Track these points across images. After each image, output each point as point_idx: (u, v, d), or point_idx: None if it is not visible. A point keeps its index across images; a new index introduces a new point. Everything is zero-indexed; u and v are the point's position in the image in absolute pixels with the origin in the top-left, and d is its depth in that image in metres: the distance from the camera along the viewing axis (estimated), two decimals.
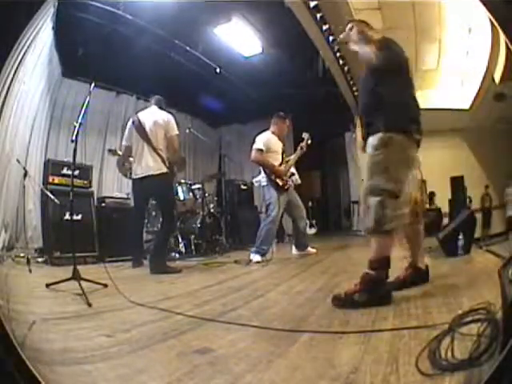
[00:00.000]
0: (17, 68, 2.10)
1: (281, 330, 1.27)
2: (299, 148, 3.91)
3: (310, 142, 3.91)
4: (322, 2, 3.84)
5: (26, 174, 3.18)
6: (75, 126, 2.25)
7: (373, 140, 1.72)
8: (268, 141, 3.74)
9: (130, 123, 3.29)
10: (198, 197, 4.82)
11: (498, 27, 0.81)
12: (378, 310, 1.42)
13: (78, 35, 4.14)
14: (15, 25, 0.87)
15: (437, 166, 4.95)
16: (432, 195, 5.14)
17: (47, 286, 2.12)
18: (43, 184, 3.74)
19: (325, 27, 4.14)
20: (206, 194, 4.95)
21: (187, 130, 5.36)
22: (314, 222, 6.42)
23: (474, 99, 4.59)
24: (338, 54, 4.60)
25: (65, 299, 1.92)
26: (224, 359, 1.04)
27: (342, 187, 8.25)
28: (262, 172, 3.75)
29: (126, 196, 4.39)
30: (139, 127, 3.16)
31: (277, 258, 3.55)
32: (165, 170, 3.13)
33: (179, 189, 4.68)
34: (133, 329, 1.37)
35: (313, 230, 6.23)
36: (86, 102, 2.34)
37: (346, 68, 4.81)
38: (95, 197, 4.29)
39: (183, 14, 4.14)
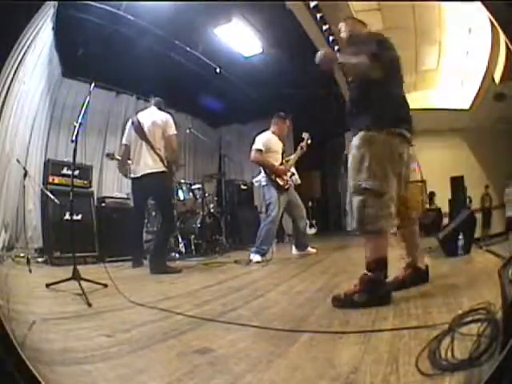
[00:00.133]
0: (17, 68, 2.10)
1: (281, 330, 1.27)
2: (299, 148, 3.91)
3: (310, 141, 3.91)
4: (322, 2, 3.85)
5: (26, 174, 3.18)
6: (75, 126, 2.26)
7: (355, 140, 1.71)
8: (268, 141, 3.74)
9: (129, 123, 3.33)
10: (198, 197, 4.82)
11: (499, 28, 0.81)
12: (378, 310, 1.42)
13: (78, 35, 4.14)
14: (15, 25, 0.87)
15: (437, 165, 4.95)
16: (432, 195, 5.14)
17: (47, 285, 2.12)
18: (43, 184, 3.75)
19: (325, 27, 4.14)
20: (206, 194, 4.95)
21: (187, 130, 5.37)
22: (314, 221, 6.43)
23: (474, 99, 4.59)
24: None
25: (65, 299, 1.92)
26: (224, 359, 1.04)
27: (342, 187, 8.24)
28: (262, 172, 3.75)
29: (125, 196, 4.39)
30: (138, 127, 3.19)
31: (277, 257, 3.55)
32: (163, 169, 3.14)
33: (179, 189, 4.69)
34: (133, 329, 1.37)
35: (313, 230, 6.24)
36: (86, 102, 2.34)
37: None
38: (95, 197, 4.29)
39: (183, 14, 4.14)
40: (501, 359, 0.70)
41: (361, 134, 1.69)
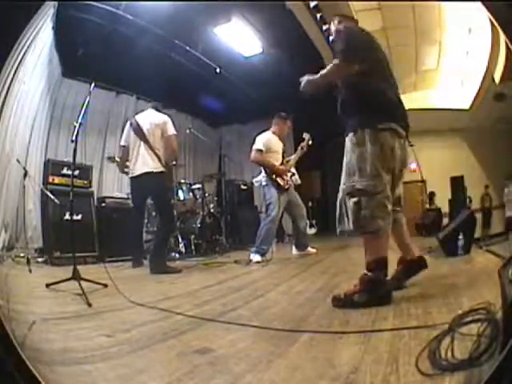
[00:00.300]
0: (17, 68, 2.10)
1: (281, 330, 1.26)
2: (300, 148, 3.91)
3: (310, 142, 3.91)
4: (322, 2, 3.85)
5: (26, 174, 3.19)
6: (75, 126, 2.26)
7: (347, 141, 1.70)
8: (268, 141, 3.74)
9: (127, 125, 3.37)
10: (198, 197, 4.83)
11: (499, 28, 0.81)
12: (378, 310, 1.42)
13: (78, 35, 4.14)
14: (15, 25, 0.87)
15: (437, 165, 4.96)
16: (432, 195, 5.15)
17: (47, 286, 2.12)
18: (43, 184, 3.75)
19: (325, 27, 4.14)
20: (206, 194, 4.96)
21: (187, 130, 5.37)
22: (314, 221, 6.43)
23: (474, 99, 4.60)
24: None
25: (65, 299, 1.92)
26: (224, 359, 1.04)
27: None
28: (263, 171, 3.75)
29: (126, 196, 4.39)
30: (137, 128, 3.22)
31: (277, 257, 3.55)
32: (161, 169, 3.16)
33: (179, 189, 4.69)
34: (133, 329, 1.37)
35: (313, 230, 6.24)
36: (86, 102, 2.34)
37: None
38: (95, 197, 4.30)
39: (183, 14, 4.14)
40: (501, 359, 0.70)
41: (349, 136, 1.68)
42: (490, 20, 0.84)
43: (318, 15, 3.99)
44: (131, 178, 3.25)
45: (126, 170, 3.38)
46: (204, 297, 1.95)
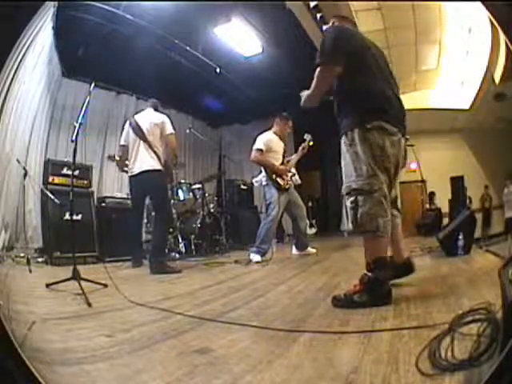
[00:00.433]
0: (17, 68, 2.10)
1: (281, 330, 1.26)
2: (301, 148, 3.91)
3: (311, 143, 3.91)
4: (322, 2, 3.85)
5: (26, 174, 3.19)
6: (75, 126, 2.26)
7: (341, 143, 1.70)
8: (269, 141, 3.74)
9: (126, 124, 3.39)
10: (198, 197, 4.83)
11: (499, 28, 0.81)
12: (378, 310, 1.42)
13: (78, 35, 4.15)
14: (15, 25, 0.87)
15: (437, 165, 4.95)
16: (432, 195, 5.14)
17: (47, 286, 2.12)
18: (43, 184, 3.75)
19: (325, 27, 4.14)
20: (206, 194, 4.95)
21: (187, 130, 5.38)
22: (313, 221, 6.43)
23: (474, 99, 4.60)
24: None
25: (65, 299, 1.92)
26: (224, 359, 1.04)
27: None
28: (263, 171, 3.75)
29: (126, 196, 4.40)
30: (136, 127, 3.25)
31: (277, 257, 3.55)
32: (160, 167, 3.17)
33: (179, 189, 4.69)
34: (133, 329, 1.37)
35: (313, 230, 6.24)
36: (86, 102, 2.34)
37: None
38: (95, 197, 4.30)
39: (183, 14, 4.15)
40: (501, 359, 0.70)
41: (343, 138, 1.69)
42: (490, 20, 0.84)
43: (318, 15, 3.99)
44: (130, 176, 3.26)
45: (125, 169, 3.39)
46: (204, 297, 1.95)
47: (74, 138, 2.27)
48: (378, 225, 1.57)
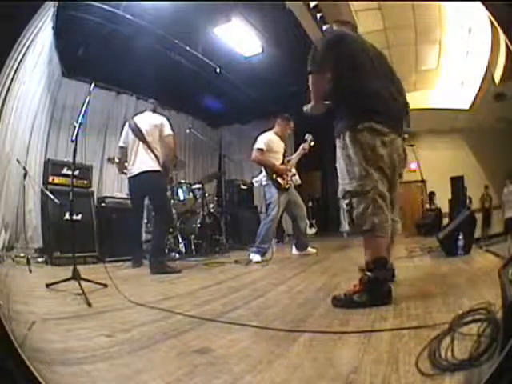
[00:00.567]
0: (17, 68, 2.10)
1: (281, 330, 1.26)
2: (301, 149, 3.91)
3: (312, 143, 3.91)
4: (322, 2, 3.85)
5: (26, 174, 3.19)
6: (75, 126, 2.27)
7: (336, 146, 1.72)
8: (270, 141, 3.74)
9: (126, 126, 3.41)
10: (198, 197, 4.83)
11: (499, 28, 0.81)
12: (378, 310, 1.42)
13: (78, 35, 4.15)
14: (15, 25, 0.87)
15: (437, 165, 4.95)
16: (432, 195, 5.14)
17: (47, 286, 2.13)
18: (43, 184, 3.75)
19: (325, 27, 4.14)
20: (206, 194, 4.95)
21: (187, 130, 5.38)
22: (314, 222, 6.43)
23: (474, 99, 4.60)
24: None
25: (65, 299, 1.92)
26: (224, 359, 1.04)
27: None
28: (263, 171, 3.75)
29: (125, 196, 4.39)
30: (135, 129, 3.27)
31: (277, 257, 3.55)
32: (158, 168, 3.18)
33: (179, 189, 4.69)
34: (133, 329, 1.37)
35: (313, 230, 6.24)
36: (86, 102, 2.35)
37: None
38: (95, 197, 4.30)
39: (183, 14, 4.15)
40: (501, 359, 0.70)
41: (337, 141, 1.70)
42: (490, 20, 0.84)
43: (318, 15, 3.99)
44: (129, 177, 3.27)
45: (124, 170, 3.40)
46: (204, 297, 1.95)
47: (73, 137, 2.27)
48: (374, 224, 1.57)
